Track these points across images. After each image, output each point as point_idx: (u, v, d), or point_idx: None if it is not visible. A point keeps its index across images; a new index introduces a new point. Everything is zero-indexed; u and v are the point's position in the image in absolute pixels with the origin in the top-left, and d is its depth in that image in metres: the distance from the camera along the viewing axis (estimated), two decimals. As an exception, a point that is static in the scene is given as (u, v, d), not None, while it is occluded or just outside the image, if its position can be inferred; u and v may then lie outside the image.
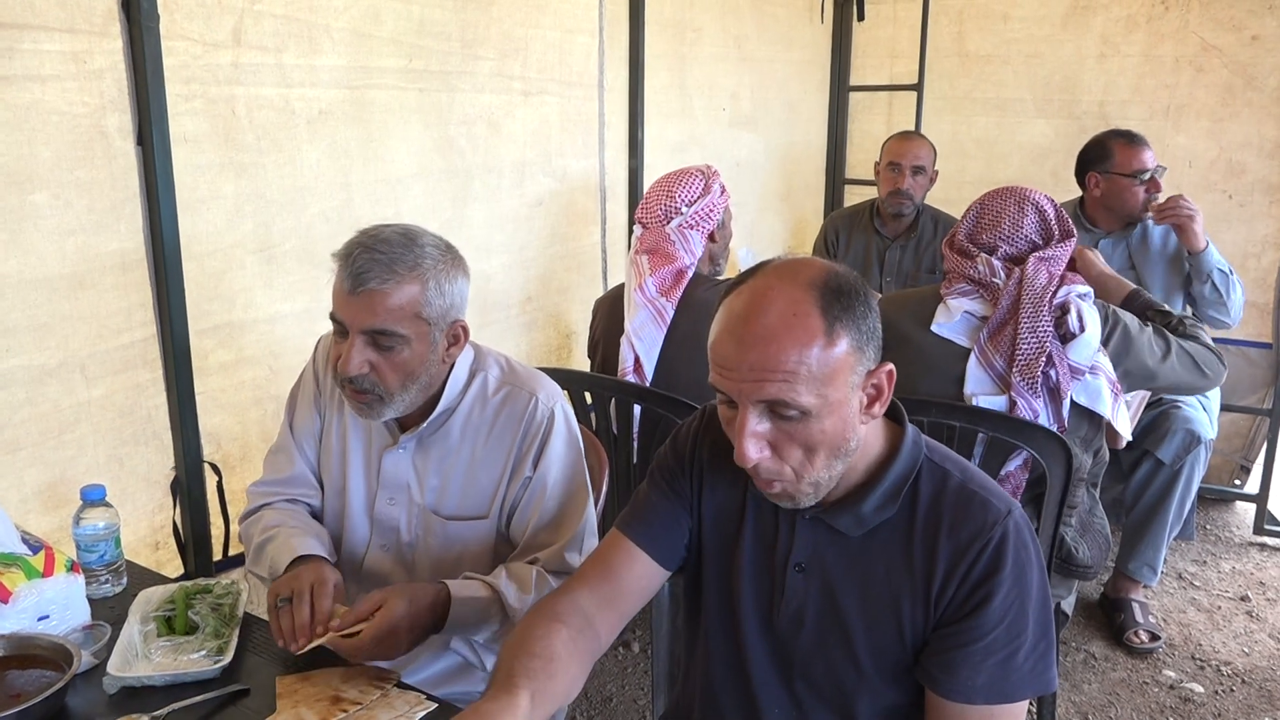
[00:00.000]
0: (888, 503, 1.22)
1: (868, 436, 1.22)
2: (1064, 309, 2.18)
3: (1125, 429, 2.25)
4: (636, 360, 2.50)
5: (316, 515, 1.72)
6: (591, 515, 1.67)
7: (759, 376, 1.10)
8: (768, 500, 1.25)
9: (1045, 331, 2.15)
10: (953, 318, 2.26)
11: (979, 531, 1.17)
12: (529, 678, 1.16)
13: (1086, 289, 2.25)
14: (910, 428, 1.26)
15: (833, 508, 1.24)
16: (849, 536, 1.24)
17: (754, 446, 1.14)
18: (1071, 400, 2.16)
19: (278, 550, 1.58)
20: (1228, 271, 3.03)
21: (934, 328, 2.27)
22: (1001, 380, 2.18)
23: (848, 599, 1.24)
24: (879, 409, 1.19)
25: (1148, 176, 3.08)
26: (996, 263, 2.23)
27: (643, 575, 1.36)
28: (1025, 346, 2.16)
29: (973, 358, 2.21)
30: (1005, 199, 2.29)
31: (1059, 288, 2.20)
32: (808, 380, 1.10)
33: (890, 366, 1.18)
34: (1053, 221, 2.26)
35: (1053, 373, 2.14)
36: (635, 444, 2.46)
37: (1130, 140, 3.12)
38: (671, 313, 2.51)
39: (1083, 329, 2.16)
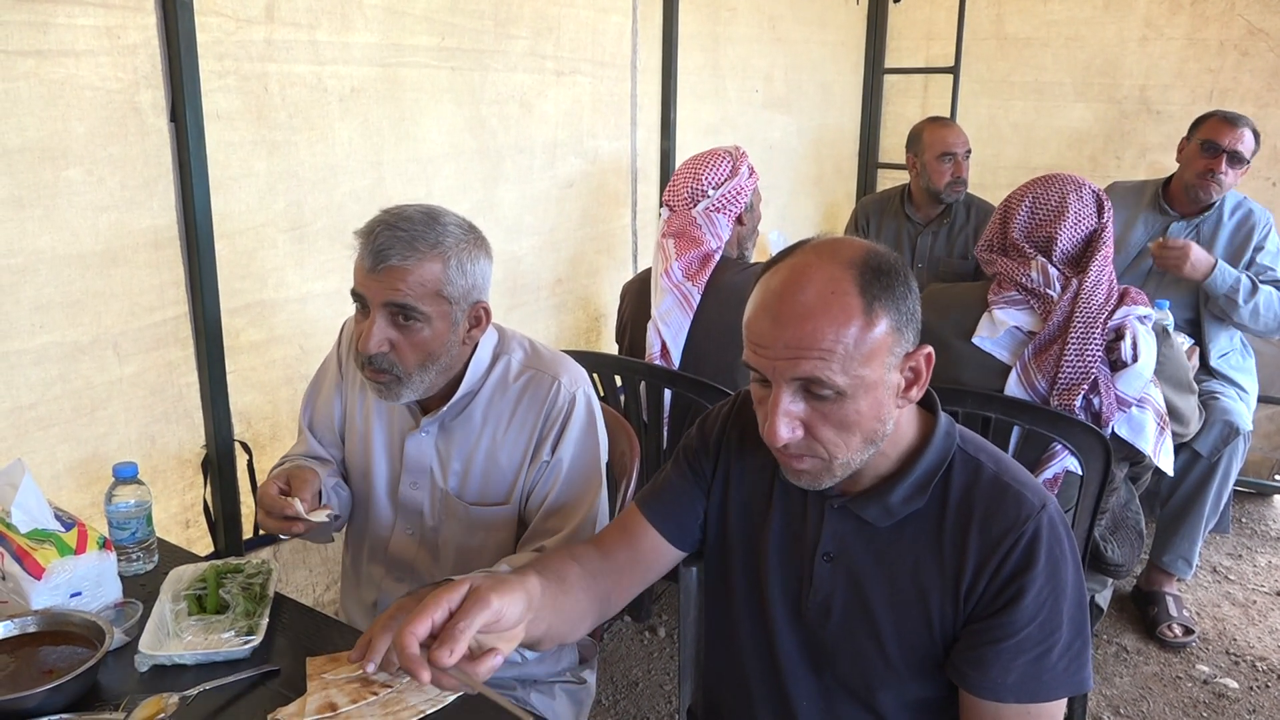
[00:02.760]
0: (916, 494, 1.20)
1: (903, 425, 1.20)
2: (1119, 333, 2.04)
3: (1168, 465, 2.13)
4: (663, 346, 2.48)
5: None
6: (602, 505, 1.65)
7: (794, 354, 1.08)
8: (796, 488, 1.23)
9: (1093, 357, 2.02)
10: (997, 332, 2.12)
11: (1011, 526, 1.15)
12: (540, 573, 1.17)
13: (1147, 311, 2.10)
14: (944, 417, 1.23)
15: (860, 497, 1.22)
16: (877, 527, 1.22)
17: (786, 426, 1.12)
18: (1113, 430, 2.06)
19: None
20: (1249, 289, 2.96)
21: (975, 340, 2.14)
22: (1042, 403, 2.07)
23: (875, 590, 1.22)
24: (916, 393, 1.16)
25: (1215, 151, 3.03)
26: (1053, 270, 2.08)
27: (652, 550, 1.37)
28: (1069, 370, 2.03)
29: (1013, 375, 2.09)
30: (1060, 187, 2.13)
31: (1117, 307, 2.06)
32: (844, 359, 1.08)
33: (929, 349, 1.16)
34: (1102, 204, 2.14)
35: (1096, 400, 2.03)
36: (665, 429, 2.44)
37: (1224, 117, 3.08)
38: (698, 297, 2.48)
39: (1136, 358, 2.03)
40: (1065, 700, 1.19)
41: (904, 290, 1.12)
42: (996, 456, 1.23)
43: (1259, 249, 3.07)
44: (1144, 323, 2.08)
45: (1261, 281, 2.99)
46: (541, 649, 1.21)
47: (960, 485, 1.19)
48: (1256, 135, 3.07)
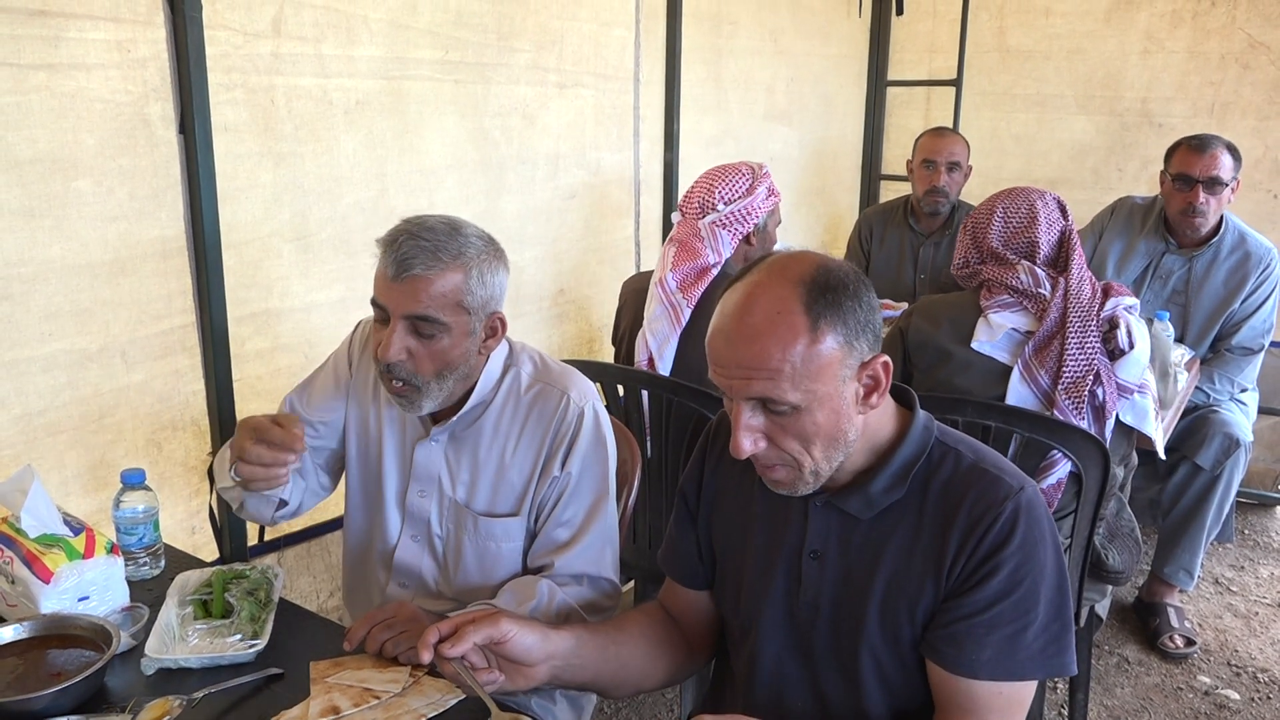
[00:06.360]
0: (896, 484, 1.22)
1: (878, 422, 1.23)
2: (1112, 324, 2.10)
3: (1163, 448, 2.20)
4: (650, 357, 2.45)
5: None
6: (611, 518, 1.65)
7: (746, 375, 1.13)
8: (778, 495, 1.26)
9: (1094, 348, 2.08)
10: (995, 335, 2.18)
11: (989, 506, 1.17)
12: (588, 626, 1.37)
13: (1134, 301, 2.17)
14: (921, 413, 1.26)
15: (842, 492, 1.25)
16: (860, 520, 1.25)
17: (748, 440, 1.16)
18: (1117, 417, 2.10)
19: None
20: (1231, 384, 3.05)
21: (974, 345, 2.19)
22: (1046, 397, 2.11)
23: (862, 583, 1.24)
24: (877, 400, 1.19)
25: (1189, 183, 2.95)
26: (1040, 272, 2.15)
27: (685, 598, 1.46)
28: (1073, 364, 2.08)
29: (1015, 373, 2.14)
30: (1025, 196, 2.23)
31: (1105, 300, 2.13)
32: (792, 377, 1.11)
33: (886, 358, 1.18)
34: (1064, 206, 2.23)
35: (1099, 391, 2.07)
36: (666, 437, 2.45)
37: (1190, 146, 2.98)
38: (688, 311, 2.42)
39: (1132, 345, 2.08)
40: (1035, 684, 1.21)
41: (852, 304, 1.14)
42: (975, 447, 1.26)
43: (1249, 296, 3.02)
44: (1132, 312, 2.15)
45: (1231, 345, 3.04)
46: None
47: (940, 475, 1.22)
48: (1234, 151, 2.95)
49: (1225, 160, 2.94)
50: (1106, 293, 2.15)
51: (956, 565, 1.18)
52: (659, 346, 2.43)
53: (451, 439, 1.64)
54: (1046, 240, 2.19)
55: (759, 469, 1.23)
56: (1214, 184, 2.94)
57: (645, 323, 2.45)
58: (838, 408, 1.15)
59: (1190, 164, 2.96)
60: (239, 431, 1.47)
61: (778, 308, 1.12)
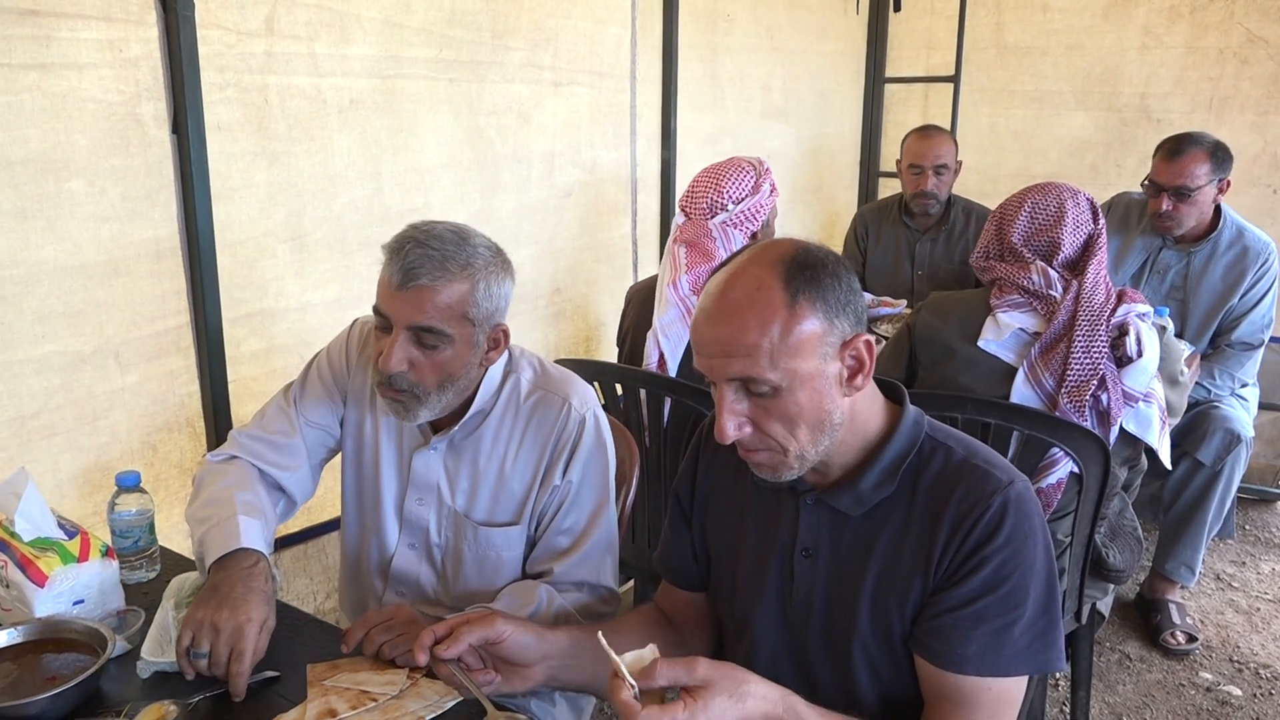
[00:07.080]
0: (886, 480, 1.22)
1: (866, 417, 1.22)
2: (1122, 330, 2.08)
3: (1168, 458, 2.16)
4: (661, 357, 2.46)
5: (280, 487, 1.65)
6: (611, 524, 1.64)
7: (725, 353, 1.13)
8: (770, 492, 1.27)
9: (1100, 353, 2.06)
10: (1002, 335, 2.15)
11: (978, 500, 1.17)
12: (584, 628, 1.36)
13: (1146, 308, 2.14)
14: (911, 408, 1.25)
15: (832, 489, 1.24)
16: (851, 516, 1.24)
17: (732, 424, 1.15)
18: (1120, 426, 2.08)
19: (214, 532, 1.47)
20: (1232, 379, 3.05)
21: (981, 344, 2.17)
22: (1049, 400, 2.09)
23: (853, 579, 1.24)
24: (861, 381, 1.18)
25: (1158, 190, 2.95)
26: (1053, 273, 2.12)
27: (681, 600, 1.47)
28: (1077, 367, 2.06)
29: (1020, 374, 2.12)
30: (1057, 194, 2.18)
31: (1118, 305, 2.10)
32: (771, 355, 1.11)
33: (869, 337, 1.17)
34: (1096, 209, 2.18)
35: (1104, 397, 2.05)
36: (665, 437, 2.44)
37: (1165, 152, 2.96)
38: None
39: (1140, 353, 2.06)
40: (1025, 680, 1.20)
41: (831, 281, 1.14)
42: (966, 442, 1.25)
43: (1248, 291, 3.01)
44: (1144, 320, 2.12)
45: (1231, 340, 3.02)
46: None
47: (930, 470, 1.22)
48: (1215, 153, 2.91)
49: (1198, 168, 2.90)
50: (1120, 298, 2.12)
51: (944, 559, 1.18)
52: (674, 349, 2.44)
53: (450, 448, 1.62)
54: (1071, 242, 2.15)
55: (742, 453, 1.21)
56: (1180, 193, 2.93)
57: (658, 327, 2.45)
58: (820, 388, 1.14)
59: (1159, 171, 2.97)
60: (217, 625, 1.32)
61: (756, 285, 1.12)
